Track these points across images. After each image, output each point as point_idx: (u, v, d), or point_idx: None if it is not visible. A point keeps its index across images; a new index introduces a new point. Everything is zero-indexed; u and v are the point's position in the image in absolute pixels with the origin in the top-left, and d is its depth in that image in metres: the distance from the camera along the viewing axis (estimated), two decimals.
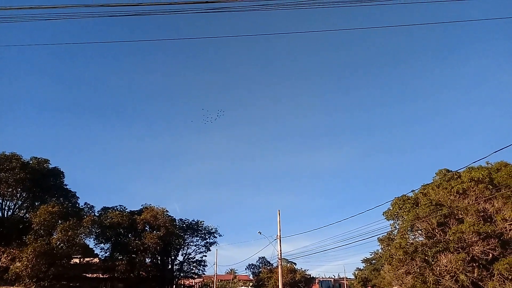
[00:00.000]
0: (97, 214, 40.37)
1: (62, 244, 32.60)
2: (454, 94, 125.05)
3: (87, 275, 38.98)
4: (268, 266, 59.93)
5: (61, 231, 31.92)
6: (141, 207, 43.98)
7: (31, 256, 29.47)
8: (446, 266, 24.19)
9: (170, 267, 45.48)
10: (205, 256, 48.45)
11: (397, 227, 30.09)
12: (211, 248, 48.69)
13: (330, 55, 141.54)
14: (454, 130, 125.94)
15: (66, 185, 39.19)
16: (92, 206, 40.61)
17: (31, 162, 36.88)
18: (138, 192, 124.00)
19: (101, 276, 39.57)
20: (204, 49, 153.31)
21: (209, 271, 57.98)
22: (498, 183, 26.65)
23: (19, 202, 37.21)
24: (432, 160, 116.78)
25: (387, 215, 30.45)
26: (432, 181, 29.31)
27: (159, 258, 43.89)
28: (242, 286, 66.81)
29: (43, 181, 36.88)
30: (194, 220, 47.68)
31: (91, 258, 39.49)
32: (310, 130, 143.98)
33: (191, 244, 47.64)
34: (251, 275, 65.79)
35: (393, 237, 29.99)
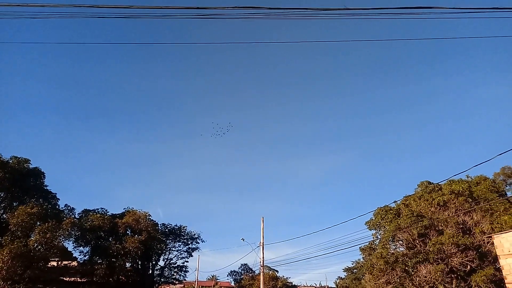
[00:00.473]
0: (78, 217, 39.55)
1: (39, 247, 31.76)
2: (437, 107, 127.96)
3: (64, 278, 38.05)
4: (250, 273, 59.71)
5: (39, 233, 31.12)
6: (124, 210, 43.34)
7: (6, 258, 28.58)
8: (426, 277, 24.57)
9: (150, 272, 44.77)
10: (187, 261, 47.95)
11: (379, 237, 30.45)
12: (193, 253, 48.19)
13: (319, 62, 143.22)
14: (436, 143, 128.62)
15: (46, 186, 38.28)
16: (73, 208, 39.78)
17: (10, 161, 35.93)
18: (121, 195, 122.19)
19: (79, 280, 38.69)
20: (189, 55, 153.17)
21: (190, 277, 57.32)
22: (477, 196, 27.33)
23: None
24: (415, 172, 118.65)
25: (369, 225, 30.81)
26: (414, 193, 29.84)
27: (139, 263, 43.18)
28: None
29: (22, 181, 35.95)
30: (177, 225, 47.23)
31: (69, 262, 38.58)
32: (296, 138, 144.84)
33: (173, 249, 47.08)
34: (233, 282, 65.38)
35: (375, 247, 30.33)
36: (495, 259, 21.57)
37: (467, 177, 29.18)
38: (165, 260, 46.63)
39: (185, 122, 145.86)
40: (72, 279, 38.98)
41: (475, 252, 24.52)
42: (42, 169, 38.10)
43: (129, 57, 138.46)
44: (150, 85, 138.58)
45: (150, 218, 42.64)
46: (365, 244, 30.86)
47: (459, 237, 24.48)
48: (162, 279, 47.02)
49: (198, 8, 9.35)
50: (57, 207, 38.25)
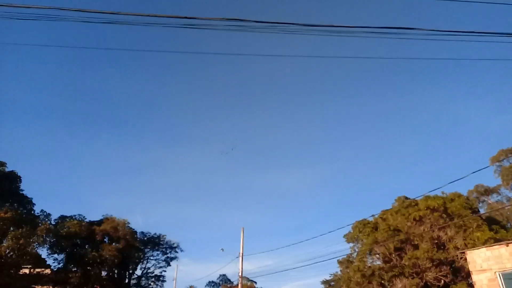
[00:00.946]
0: (54, 223, 38.65)
1: (11, 253, 30.84)
2: (415, 123, 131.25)
3: (36, 286, 36.93)
4: (229, 284, 59.21)
5: (12, 239, 30.22)
6: (102, 217, 42.59)
7: None
8: None
9: (127, 281, 43.94)
10: (165, 271, 47.33)
11: (357, 250, 30.94)
12: (171, 263, 47.70)
13: (303, 71, 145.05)
14: (413, 159, 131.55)
15: (22, 190, 37.27)
16: (49, 214, 38.80)
17: None
18: (100, 202, 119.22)
19: None
20: (175, 62, 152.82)
21: (167, 287, 56.44)
22: (452, 212, 28.17)
23: None
24: (393, 186, 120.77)
25: (347, 238, 31.29)
26: (391, 207, 30.52)
27: (116, 272, 42.35)
28: None
29: None
30: (156, 233, 46.68)
31: (43, 269, 37.48)
32: (279, 149, 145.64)
33: (151, 258, 46.43)
34: None
35: (352, 259, 30.78)
36: (468, 274, 22.24)
37: (442, 193, 30.07)
38: (143, 269, 45.91)
39: (167, 130, 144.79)
40: (45, 287, 37.86)
41: (449, 267, 25.20)
42: (19, 173, 37.15)
43: (115, 64, 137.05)
44: (135, 93, 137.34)
45: (129, 226, 42.07)
46: (343, 256, 31.32)
47: (433, 252, 25.13)
48: None
49: (185, 17, 9.53)
50: (32, 212, 37.26)
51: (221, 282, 60.32)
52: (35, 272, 35.92)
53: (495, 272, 19.07)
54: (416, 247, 26.75)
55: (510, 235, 28.47)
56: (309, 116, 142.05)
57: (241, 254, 33.06)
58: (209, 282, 62.02)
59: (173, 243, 47.50)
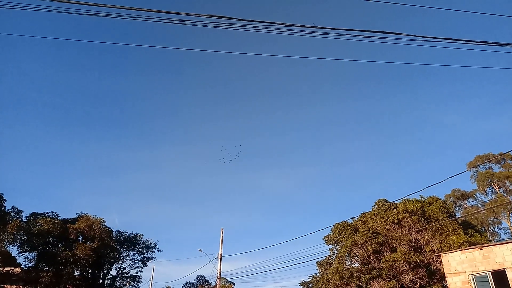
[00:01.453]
0: (25, 220, 37.24)
1: None
2: (396, 128, 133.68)
3: (5, 286, 35.51)
4: (206, 285, 58.53)
5: None
6: (76, 215, 41.31)
7: None
8: None
9: (101, 281, 42.75)
10: (141, 271, 46.28)
11: (336, 252, 30.99)
12: (148, 263, 46.68)
13: (288, 74, 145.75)
14: (394, 163, 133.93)
15: None
16: (20, 211, 37.34)
17: None
18: (74, 199, 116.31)
19: None
20: (152, 58, 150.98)
21: None
22: (429, 216, 28.60)
23: None
24: (373, 189, 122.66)
25: (327, 240, 31.32)
26: (371, 210, 30.73)
27: (90, 271, 41.14)
28: None
29: None
30: (132, 233, 45.59)
31: (12, 268, 36.07)
32: (261, 151, 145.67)
33: (127, 258, 45.30)
34: None
35: (331, 261, 30.81)
36: (443, 277, 22.57)
37: (421, 197, 30.51)
38: (118, 269, 44.77)
39: (147, 129, 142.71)
40: (14, 286, 36.44)
41: (424, 270, 25.51)
42: None
43: (98, 58, 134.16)
44: (114, 89, 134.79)
45: (104, 225, 40.95)
46: (322, 258, 31.31)
47: (410, 255, 25.40)
48: None
49: (169, 12, 9.22)
50: (2, 208, 35.79)
51: (198, 283, 59.49)
52: (4, 271, 34.57)
53: (468, 275, 19.40)
54: (394, 249, 26.99)
55: (484, 239, 29.13)
56: (291, 119, 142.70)
57: (220, 255, 32.65)
58: (186, 283, 61.05)
59: (150, 243, 46.56)
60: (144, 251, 46.23)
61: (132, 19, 9.16)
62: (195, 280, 61.14)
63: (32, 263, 36.69)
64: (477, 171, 42.37)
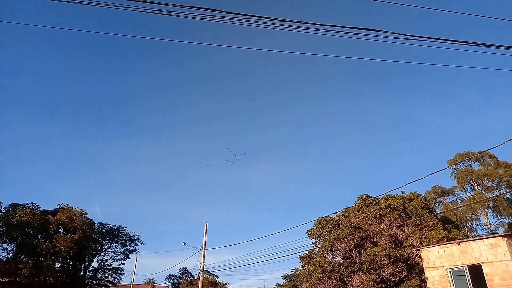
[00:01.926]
0: (4, 211, 36.44)
1: None
2: (380, 125, 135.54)
3: None
4: (189, 277, 58.56)
5: None
6: (57, 207, 40.64)
7: None
8: (359, 286, 25.66)
9: (82, 273, 42.26)
10: (123, 264, 45.98)
11: (319, 246, 31.38)
12: (130, 256, 46.37)
13: (276, 69, 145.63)
14: (377, 161, 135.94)
15: None
16: None
17: None
18: (56, 190, 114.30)
19: (0, 280, 35.53)
20: (141, 50, 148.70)
21: (126, 280, 54.86)
22: (410, 211, 29.19)
23: None
24: (356, 185, 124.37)
25: (310, 234, 31.66)
26: (354, 205, 31.17)
27: (70, 263, 40.61)
28: None
29: None
30: (115, 225, 45.17)
31: None
32: (246, 146, 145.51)
33: (109, 250, 44.89)
34: (170, 286, 63.63)
35: (314, 255, 31.19)
36: (422, 271, 23.13)
37: (402, 193, 31.11)
38: (100, 261, 44.35)
39: (133, 119, 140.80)
40: None
41: (404, 264, 26.08)
42: None
43: (80, 46, 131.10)
44: (100, 79, 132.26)
45: (86, 217, 40.44)
46: (304, 252, 31.67)
47: (391, 249, 25.92)
48: (94, 281, 44.62)
49: (153, 2, 9.06)
50: None
51: (181, 276, 59.53)
52: None
53: (446, 269, 19.92)
54: (375, 244, 27.48)
55: (462, 235, 29.94)
56: (277, 115, 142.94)
57: (203, 248, 32.66)
58: (169, 275, 61.03)
59: (133, 235, 46.24)
60: (127, 244, 45.90)
61: (122, 9, 8.96)
62: (178, 272, 61.13)
63: (11, 255, 36.00)
64: (457, 168, 43.39)
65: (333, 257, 30.04)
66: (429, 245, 23.02)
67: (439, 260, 20.39)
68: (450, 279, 19.55)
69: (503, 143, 11.87)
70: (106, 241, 44.38)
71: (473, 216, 42.51)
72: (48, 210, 40.01)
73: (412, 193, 31.14)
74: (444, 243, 21.57)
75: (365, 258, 26.30)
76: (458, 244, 19.94)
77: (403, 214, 28.55)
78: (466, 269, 19.05)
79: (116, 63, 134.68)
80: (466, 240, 20.90)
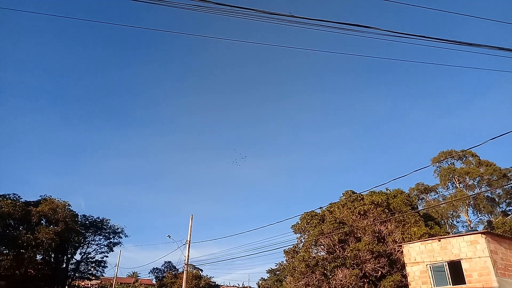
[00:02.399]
0: None
1: None
2: (364, 127, 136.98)
3: None
4: (174, 271, 58.41)
5: None
6: (40, 198, 39.92)
7: None
8: (341, 280, 26.01)
9: (64, 266, 41.72)
10: (107, 256, 45.56)
11: (303, 240, 31.63)
12: (114, 248, 45.96)
13: (265, 63, 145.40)
14: (361, 158, 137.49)
15: None
16: None
17: None
18: (38, 181, 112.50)
19: None
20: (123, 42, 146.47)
21: (109, 273, 54.52)
22: (393, 208, 29.64)
23: None
24: (341, 182, 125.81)
25: (295, 229, 31.88)
26: (338, 200, 31.48)
27: (52, 256, 40.02)
28: None
29: None
30: (99, 217, 44.66)
31: None
32: (233, 140, 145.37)
33: (93, 242, 44.40)
34: (154, 279, 63.39)
35: (298, 250, 31.44)
36: (403, 266, 23.56)
37: (387, 189, 31.54)
38: (82, 254, 43.86)
39: (120, 112, 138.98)
40: None
41: (386, 259, 26.52)
42: None
43: (75, 39, 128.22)
44: (89, 72, 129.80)
45: (69, 208, 39.87)
46: (289, 247, 31.88)
47: (374, 245, 26.32)
48: (77, 274, 44.13)
49: None
50: None
51: (166, 269, 59.33)
52: None
53: (426, 265, 20.34)
54: (358, 239, 27.85)
55: (443, 231, 30.58)
56: (265, 110, 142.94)
57: (188, 242, 32.56)
58: (153, 269, 60.77)
59: (117, 228, 45.81)
60: (111, 236, 45.47)
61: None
62: (162, 266, 60.89)
63: None
64: (440, 166, 44.19)
65: (317, 252, 30.34)
66: (411, 241, 23.45)
67: (420, 256, 20.81)
68: (430, 275, 19.99)
69: (484, 142, 12.12)
70: (90, 234, 43.89)
71: (454, 213, 43.43)
72: (30, 201, 39.27)
73: (396, 190, 31.60)
74: (426, 239, 22.00)
75: (348, 253, 26.65)
76: (439, 241, 20.37)
77: (387, 210, 28.97)
78: (445, 265, 19.49)
79: (106, 55, 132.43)
80: (446, 236, 21.36)
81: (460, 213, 43.15)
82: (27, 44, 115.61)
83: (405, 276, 23.20)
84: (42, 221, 37.32)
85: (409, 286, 21.02)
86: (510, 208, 43.51)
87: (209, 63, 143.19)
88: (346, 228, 27.96)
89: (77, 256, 43.50)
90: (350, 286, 25.59)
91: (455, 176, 42.48)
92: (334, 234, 27.49)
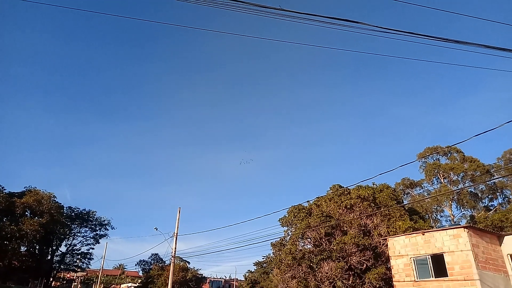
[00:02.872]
0: None
1: None
2: (351, 121, 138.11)
3: None
4: (161, 263, 58.32)
5: None
6: (24, 189, 39.40)
7: None
8: (327, 273, 26.35)
9: (49, 258, 41.31)
10: (93, 248, 45.39)
11: (290, 234, 31.87)
12: (100, 240, 45.76)
13: (252, 59, 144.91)
14: (349, 152, 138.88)
15: None
16: None
17: None
18: (23, 173, 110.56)
19: None
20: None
21: (95, 265, 54.07)
22: (379, 202, 30.05)
23: None
24: (329, 175, 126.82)
25: (282, 222, 32.07)
26: (326, 194, 31.73)
27: (37, 247, 39.59)
28: (129, 282, 63.74)
29: None
30: (85, 209, 44.29)
31: None
32: (221, 134, 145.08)
33: (78, 234, 44.09)
34: (141, 271, 63.22)
35: (285, 243, 31.67)
36: (388, 259, 23.96)
37: (373, 184, 31.91)
38: (68, 246, 43.48)
39: (107, 104, 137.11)
40: None
41: (371, 252, 26.92)
42: None
43: (60, 26, 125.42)
44: (75, 60, 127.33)
45: (55, 200, 39.49)
46: (276, 240, 32.09)
47: (359, 238, 26.67)
48: (62, 266, 43.79)
49: None
50: None
51: (152, 262, 59.18)
52: None
53: (410, 258, 20.73)
54: (345, 233, 28.18)
55: (427, 225, 31.17)
56: (254, 104, 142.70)
57: (175, 234, 32.51)
58: (140, 261, 60.54)
59: (104, 220, 45.57)
60: (97, 228, 45.21)
61: None
62: (149, 258, 60.70)
63: None
64: (426, 162, 44.89)
65: (303, 245, 30.61)
66: (395, 234, 23.83)
67: (404, 249, 21.18)
68: (414, 267, 20.38)
69: (469, 139, 12.35)
70: (75, 226, 43.54)
71: (438, 208, 44.26)
72: (14, 192, 38.73)
73: (382, 185, 32.00)
74: (410, 233, 22.39)
75: (334, 246, 26.96)
76: (423, 234, 20.75)
77: (373, 205, 29.34)
78: (429, 258, 19.89)
79: (97, 49, 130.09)
80: (430, 230, 21.76)
81: (444, 208, 44.00)
82: (8, 35, 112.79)
83: (389, 269, 23.61)
84: (26, 213, 36.88)
85: (393, 279, 21.42)
86: (492, 203, 44.60)
87: (201, 59, 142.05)
88: (333, 221, 28.25)
89: (63, 248, 43.19)
90: (336, 279, 25.94)
91: (440, 172, 43.22)
92: (321, 228, 27.74)
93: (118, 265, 74.72)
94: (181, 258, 55.38)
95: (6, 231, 33.64)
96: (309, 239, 30.04)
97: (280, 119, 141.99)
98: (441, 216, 44.83)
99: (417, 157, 44.41)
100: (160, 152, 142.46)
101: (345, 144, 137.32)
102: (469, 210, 43.64)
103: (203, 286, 62.96)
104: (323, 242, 28.10)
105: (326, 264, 26.61)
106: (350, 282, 26.35)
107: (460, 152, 43.31)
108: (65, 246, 43.27)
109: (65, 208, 41.84)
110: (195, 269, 59.81)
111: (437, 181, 44.52)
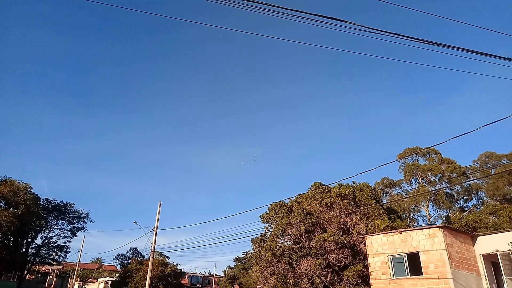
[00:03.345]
0: None
1: None
2: (333, 120, 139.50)
3: None
4: (139, 257, 57.65)
5: None
6: None
7: None
8: (306, 270, 26.63)
9: (24, 250, 40.30)
10: (70, 242, 44.51)
11: (271, 230, 32.04)
12: (78, 233, 44.90)
13: (235, 60, 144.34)
14: (331, 150, 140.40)
15: None
16: None
17: None
18: None
19: None
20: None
21: (72, 258, 53.13)
22: (359, 200, 30.51)
23: None
24: (310, 173, 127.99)
25: (263, 218, 32.21)
26: (307, 192, 31.99)
27: (11, 239, 38.53)
28: (107, 276, 62.78)
29: None
30: (62, 201, 43.32)
31: None
32: (205, 130, 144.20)
33: (55, 227, 43.13)
34: (119, 266, 62.37)
35: (266, 239, 31.83)
36: (365, 257, 24.39)
37: (353, 183, 32.36)
38: (44, 238, 42.50)
39: (90, 93, 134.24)
40: None
41: (350, 250, 27.34)
42: None
43: (45, 13, 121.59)
44: (55, 46, 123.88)
45: (31, 191, 38.46)
46: (257, 236, 32.21)
47: (338, 236, 27.05)
48: (37, 259, 42.78)
49: None
50: None
51: (131, 256, 58.45)
52: None
53: (387, 256, 21.15)
54: (324, 230, 28.52)
55: (404, 225, 31.87)
56: (239, 101, 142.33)
57: (155, 228, 32.19)
58: (118, 255, 59.70)
59: (82, 213, 44.70)
60: (75, 221, 44.33)
61: None
62: (128, 252, 59.90)
63: None
64: (405, 162, 45.81)
65: (283, 242, 30.82)
66: (374, 233, 24.26)
67: (382, 248, 21.60)
68: (390, 265, 20.82)
69: (447, 140, 12.65)
70: (52, 218, 42.57)
71: (416, 208, 45.26)
72: None
73: (362, 183, 32.48)
74: (388, 231, 22.83)
75: (314, 243, 27.25)
76: (400, 233, 21.21)
77: (353, 203, 29.77)
78: (405, 256, 20.35)
79: (85, 32, 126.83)
80: (407, 229, 22.26)
81: (421, 208, 45.04)
82: None
83: (366, 267, 24.03)
84: (1, 203, 35.89)
85: (370, 276, 21.83)
86: (467, 204, 45.98)
87: (185, 51, 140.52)
88: (313, 219, 28.54)
89: (38, 241, 42.19)
90: (314, 275, 26.25)
91: (419, 172, 44.19)
92: (301, 225, 27.99)
93: (95, 258, 73.58)
94: (161, 253, 54.88)
95: None
96: (289, 236, 30.26)
97: (265, 116, 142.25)
98: (418, 216, 45.89)
99: (397, 157, 45.28)
100: (143, 147, 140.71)
101: (327, 142, 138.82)
102: (445, 210, 44.82)
103: (182, 281, 62.65)
104: (303, 239, 28.37)
105: (305, 261, 26.88)
106: (328, 279, 26.71)
107: (438, 153, 44.38)
108: (41, 238, 42.31)
109: (41, 200, 40.87)
110: (175, 264, 59.46)
111: (416, 182, 45.51)
